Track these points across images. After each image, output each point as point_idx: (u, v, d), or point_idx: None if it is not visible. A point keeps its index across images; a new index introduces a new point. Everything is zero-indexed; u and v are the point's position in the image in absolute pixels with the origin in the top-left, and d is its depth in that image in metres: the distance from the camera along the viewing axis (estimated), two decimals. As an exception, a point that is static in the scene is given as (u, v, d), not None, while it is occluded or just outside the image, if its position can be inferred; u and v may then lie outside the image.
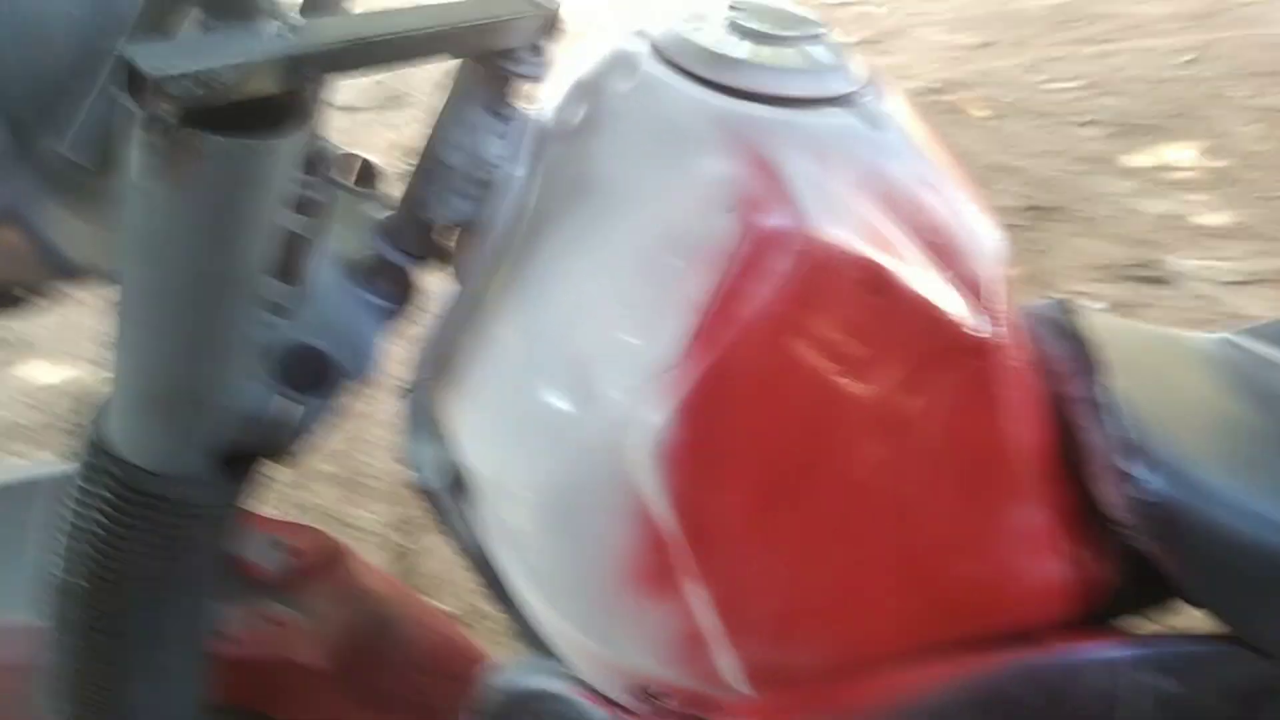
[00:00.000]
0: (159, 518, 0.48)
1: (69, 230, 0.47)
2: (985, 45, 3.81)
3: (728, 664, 0.59)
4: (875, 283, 0.50)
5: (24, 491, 0.82)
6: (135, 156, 0.39)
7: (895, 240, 0.52)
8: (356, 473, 2.01)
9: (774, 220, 0.48)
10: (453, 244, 0.59)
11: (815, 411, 0.51)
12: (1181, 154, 2.82)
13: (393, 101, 3.53)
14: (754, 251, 0.48)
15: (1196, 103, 3.11)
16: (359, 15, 0.44)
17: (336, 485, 1.98)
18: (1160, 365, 0.73)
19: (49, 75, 0.45)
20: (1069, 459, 0.64)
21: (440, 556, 1.83)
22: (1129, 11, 3.98)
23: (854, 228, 0.50)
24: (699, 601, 0.55)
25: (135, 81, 0.36)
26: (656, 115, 0.51)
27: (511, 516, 0.55)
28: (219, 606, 0.60)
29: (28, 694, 0.73)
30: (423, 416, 0.63)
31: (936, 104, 3.11)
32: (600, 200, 0.51)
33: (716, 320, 0.48)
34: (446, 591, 1.74)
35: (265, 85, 0.40)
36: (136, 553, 0.49)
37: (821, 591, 0.57)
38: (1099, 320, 0.73)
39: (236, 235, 0.41)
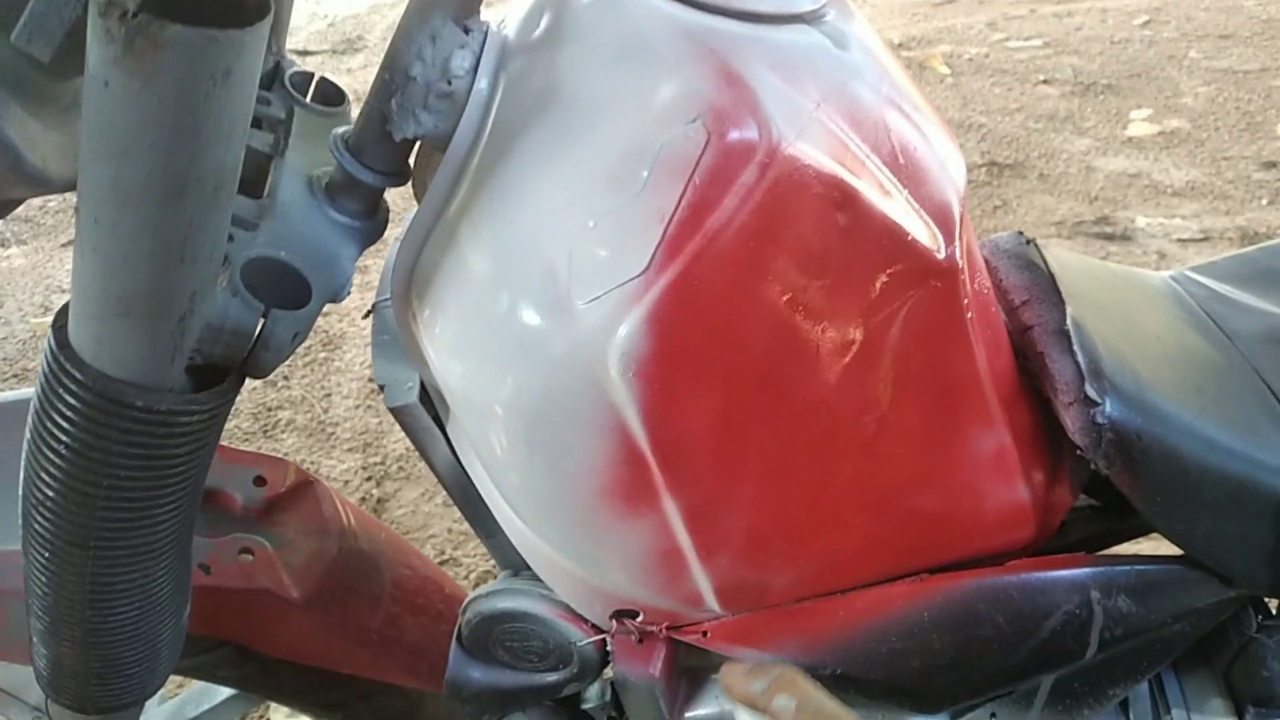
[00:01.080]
0: (128, 425, 0.47)
1: (30, 134, 0.46)
2: (947, 2, 3.82)
3: (700, 583, 0.59)
4: (840, 199, 0.50)
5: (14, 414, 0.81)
6: (93, 46, 0.38)
7: (860, 158, 0.52)
8: (324, 422, 1.99)
9: (740, 132, 0.48)
10: (414, 159, 0.58)
11: (780, 325, 0.52)
12: (1137, 113, 2.85)
13: (347, 45, 3.47)
14: (720, 162, 0.48)
15: (1152, 64, 3.14)
16: None
17: (304, 434, 1.96)
18: (1115, 298, 0.74)
19: None
20: (1027, 385, 0.65)
21: (407, 503, 1.83)
22: (1088, -27, 4.01)
23: (819, 143, 0.50)
24: (671, 517, 0.55)
25: None
26: (621, 28, 0.50)
27: (485, 433, 0.54)
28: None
29: (3, 618, 0.72)
30: (391, 335, 0.62)
31: (899, 60, 3.11)
32: (565, 112, 0.51)
33: (682, 230, 0.48)
34: (415, 539, 1.74)
35: None
36: (106, 463, 0.48)
37: (790, 511, 0.58)
38: (1057, 253, 0.74)
39: (199, 133, 0.40)
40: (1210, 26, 3.35)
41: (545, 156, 0.51)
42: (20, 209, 2.91)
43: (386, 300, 0.68)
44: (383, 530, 0.94)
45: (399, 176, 0.57)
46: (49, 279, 2.55)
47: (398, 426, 2.07)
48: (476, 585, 1.63)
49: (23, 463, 0.53)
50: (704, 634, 0.64)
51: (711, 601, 0.61)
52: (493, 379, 0.53)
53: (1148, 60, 3.16)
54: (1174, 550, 0.67)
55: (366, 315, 0.70)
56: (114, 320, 0.45)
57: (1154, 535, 0.72)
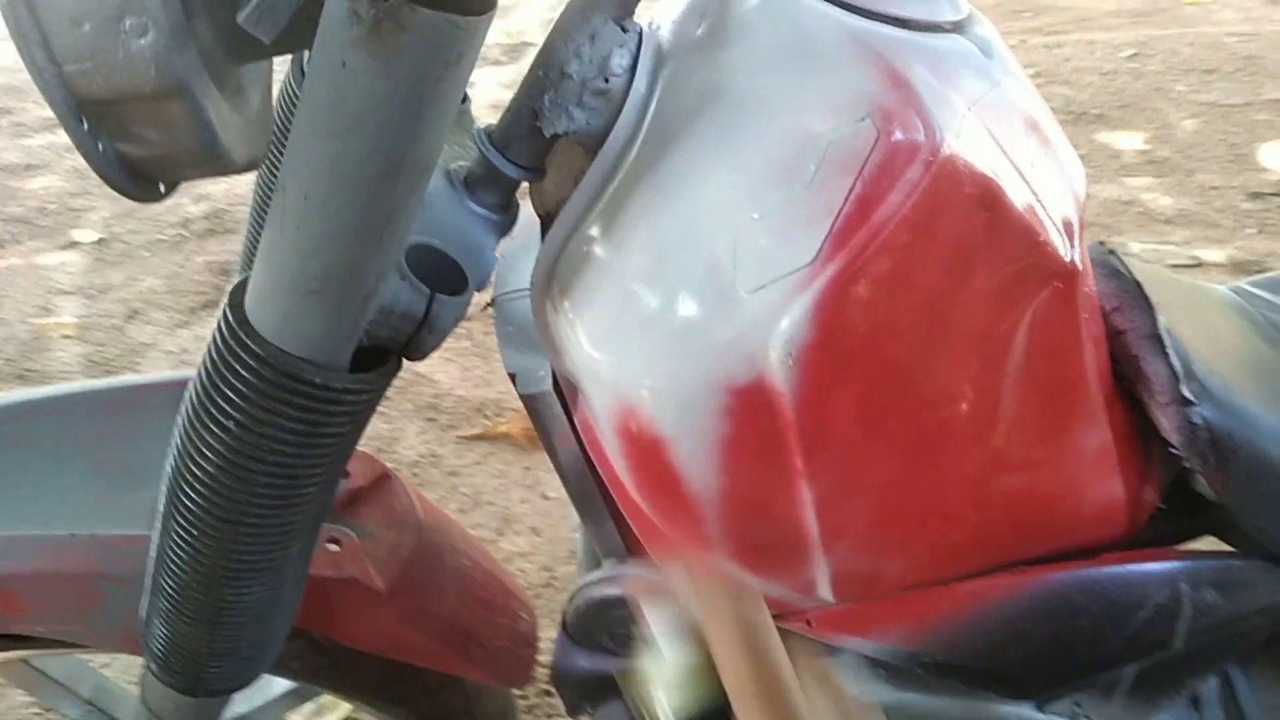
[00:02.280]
0: (302, 402, 0.49)
1: (222, 115, 0.47)
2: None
3: (818, 571, 0.61)
4: (987, 198, 0.53)
5: (53, 409, 0.81)
6: (332, 26, 0.40)
7: (1003, 161, 0.54)
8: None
9: (907, 131, 0.50)
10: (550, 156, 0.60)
11: (924, 318, 0.54)
12: (1128, 142, 2.93)
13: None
14: (888, 159, 0.50)
15: (1140, 95, 3.23)
16: None
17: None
18: (1192, 307, 0.78)
19: None
20: (1120, 387, 0.68)
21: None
22: (1074, 5, 4.11)
23: (972, 145, 0.53)
24: (803, 504, 0.57)
25: None
26: (788, 29, 0.53)
27: (629, 420, 0.56)
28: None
29: (97, 603, 0.73)
30: (516, 326, 0.64)
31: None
32: (729, 110, 0.53)
33: (850, 223, 0.50)
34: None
35: None
36: (273, 439, 0.50)
37: (910, 501, 0.60)
38: (1134, 263, 0.77)
39: (427, 116, 0.42)
40: (1194, 61, 3.45)
41: (707, 152, 0.53)
42: (18, 209, 2.86)
43: (508, 294, 0.70)
44: (449, 521, 0.95)
45: (539, 172, 0.59)
46: (48, 280, 2.52)
47: (410, 432, 2.07)
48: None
49: (176, 439, 0.54)
50: (808, 622, 0.66)
51: (825, 590, 0.63)
52: (646, 365, 0.54)
53: (1136, 91, 3.24)
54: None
55: (485, 308, 0.71)
56: (304, 298, 0.47)
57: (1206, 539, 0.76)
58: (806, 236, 0.50)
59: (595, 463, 0.62)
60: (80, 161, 3.03)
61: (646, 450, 0.57)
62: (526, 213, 0.67)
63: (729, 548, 0.60)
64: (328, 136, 0.42)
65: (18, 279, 2.52)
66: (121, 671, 1.42)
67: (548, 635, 1.56)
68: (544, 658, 1.40)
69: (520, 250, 0.72)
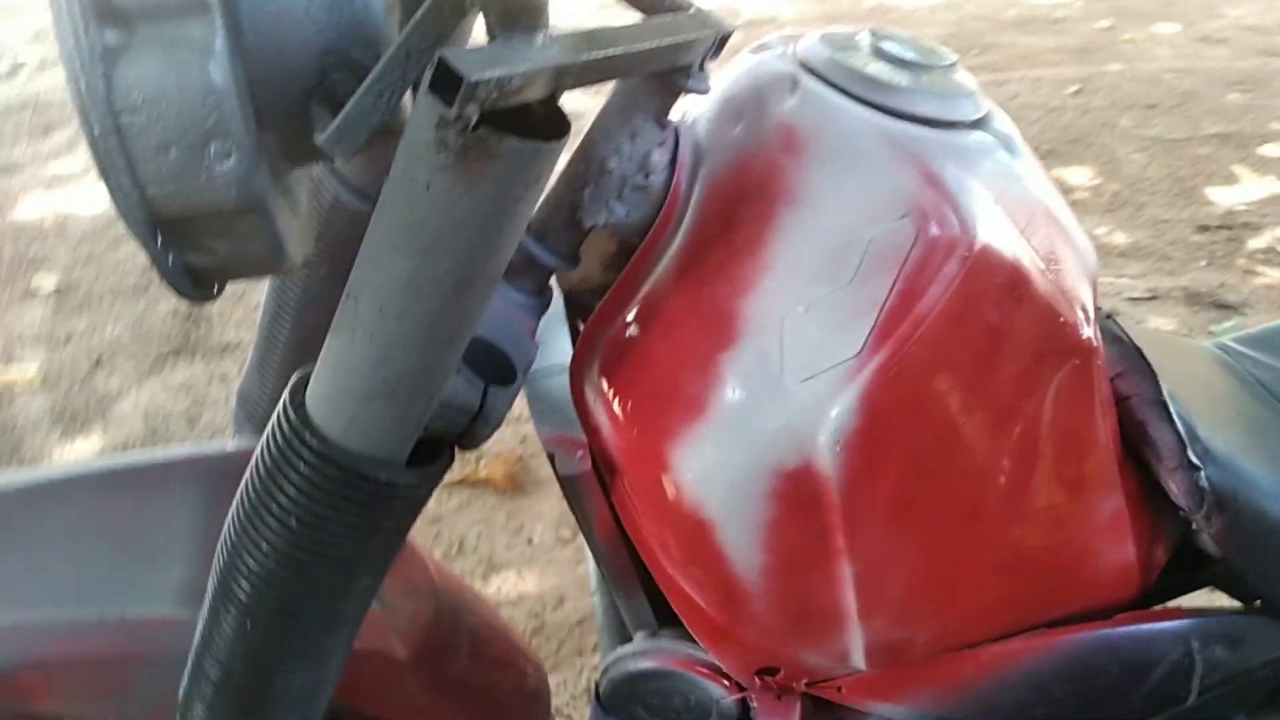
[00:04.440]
0: (362, 499, 0.49)
1: (286, 223, 0.48)
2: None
3: (852, 641, 0.63)
4: (1016, 286, 0.56)
5: (75, 488, 0.81)
6: (416, 152, 0.41)
7: (1028, 249, 0.57)
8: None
9: (944, 228, 0.53)
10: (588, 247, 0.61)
11: (960, 401, 0.56)
12: (1078, 178, 3.02)
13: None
14: (927, 255, 0.52)
15: (1087, 130, 3.33)
16: (590, 32, 0.47)
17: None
18: (1188, 369, 0.81)
19: (291, 72, 0.46)
20: (1130, 453, 0.71)
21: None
22: (1017, 43, 4.23)
23: (999, 236, 0.55)
24: (843, 580, 0.59)
25: (446, 82, 0.38)
26: (824, 130, 0.55)
27: (674, 502, 0.58)
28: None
29: (129, 687, 0.72)
30: (548, 404, 0.65)
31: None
32: (774, 207, 0.55)
33: (893, 316, 0.52)
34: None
35: (538, 91, 0.42)
36: (333, 534, 0.50)
37: (942, 572, 0.62)
38: (1133, 328, 0.81)
39: (504, 233, 0.43)
40: (1136, 97, 3.57)
41: (751, 247, 0.55)
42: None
43: (538, 371, 0.71)
44: (460, 584, 0.95)
45: (574, 260, 0.61)
46: (9, 329, 2.47)
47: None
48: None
49: (230, 531, 0.54)
50: (839, 689, 0.68)
51: (858, 659, 0.65)
52: (692, 450, 0.56)
53: (1082, 127, 3.34)
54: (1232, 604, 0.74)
55: None
56: (373, 401, 0.48)
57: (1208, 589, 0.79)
58: (852, 329, 0.52)
59: (633, 540, 0.64)
60: (36, 210, 2.98)
61: (691, 532, 0.58)
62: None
63: (767, 621, 0.62)
64: (407, 253, 0.43)
65: (-24, 329, 2.47)
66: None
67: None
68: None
69: (546, 326, 0.74)
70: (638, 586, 0.68)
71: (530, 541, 1.85)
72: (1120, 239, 2.68)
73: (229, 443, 0.83)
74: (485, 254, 0.44)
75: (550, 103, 0.44)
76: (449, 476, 2.04)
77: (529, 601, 1.74)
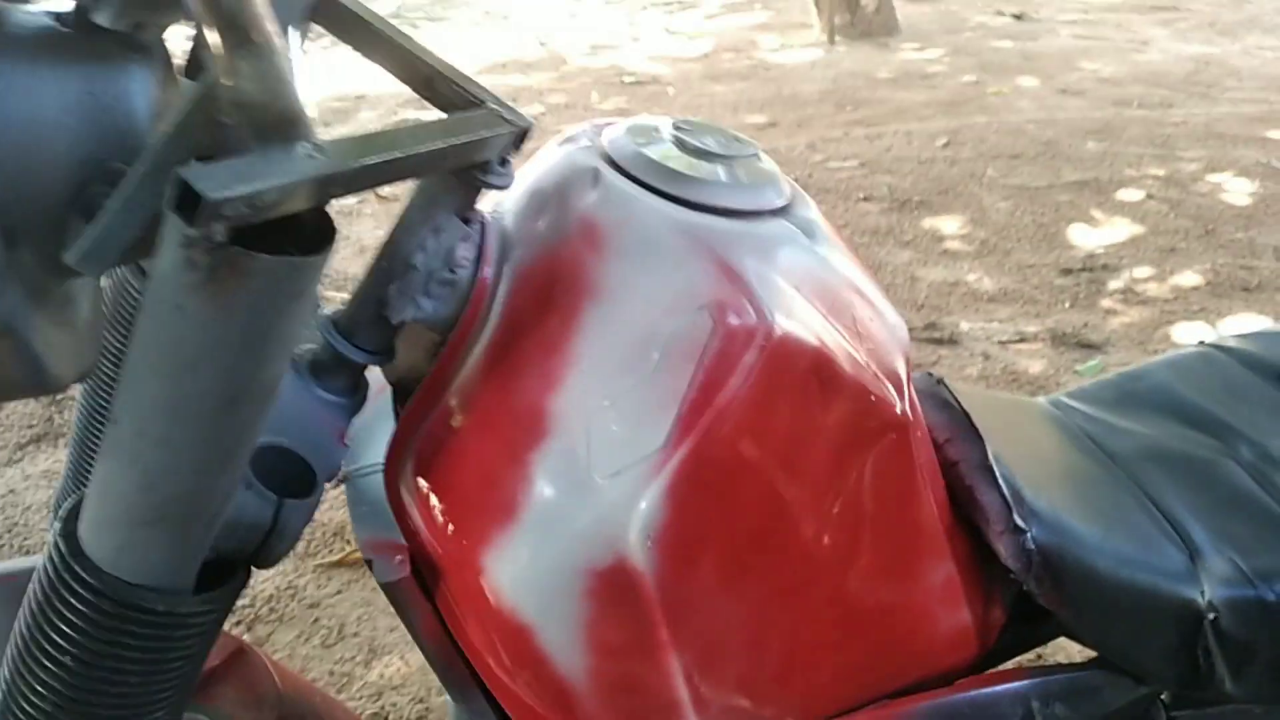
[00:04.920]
0: (145, 632, 0.47)
1: (48, 340, 0.46)
2: (771, 125, 4.10)
3: (691, 731, 0.62)
4: (820, 369, 0.56)
5: None
6: (166, 272, 0.39)
7: (832, 332, 0.58)
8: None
9: (741, 319, 0.53)
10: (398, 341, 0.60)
11: (771, 486, 0.56)
12: (949, 226, 3.13)
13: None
14: (724, 346, 0.53)
15: (956, 181, 3.46)
16: (367, 136, 0.46)
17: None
18: (1016, 429, 0.83)
19: (42, 185, 0.44)
20: (960, 516, 0.72)
21: (283, 646, 1.75)
22: (890, 98, 4.40)
23: (802, 322, 0.56)
24: (672, 673, 0.58)
25: (187, 200, 0.37)
26: (624, 225, 0.55)
27: (490, 600, 0.56)
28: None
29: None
30: (370, 505, 0.63)
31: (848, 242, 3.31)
32: (574, 300, 0.55)
33: (695, 407, 0.52)
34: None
35: (299, 204, 0.41)
36: (114, 670, 0.47)
37: (774, 652, 0.62)
38: (961, 389, 0.82)
39: (269, 349, 0.42)
40: (1001, 147, 3.73)
41: (556, 340, 0.54)
42: None
43: (360, 469, 0.69)
44: (309, 689, 0.91)
45: (387, 355, 0.59)
46: None
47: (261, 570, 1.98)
48: (372, 730, 1.58)
49: (4, 676, 0.50)
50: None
51: (700, 746, 0.64)
52: (507, 551, 0.55)
53: (952, 178, 3.48)
54: (1081, 655, 0.76)
55: (336, 485, 0.70)
56: (142, 528, 0.45)
57: (1059, 641, 0.81)
58: (655, 422, 0.52)
59: (461, 646, 0.62)
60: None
61: (512, 635, 0.57)
62: (378, 380, 0.66)
63: (602, 718, 0.61)
64: (163, 376, 0.41)
65: None
66: None
67: (424, 778, 1.51)
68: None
69: (371, 421, 0.72)
70: (474, 690, 0.66)
71: (414, 621, 1.79)
72: (989, 284, 2.77)
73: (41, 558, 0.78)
74: (249, 372, 0.42)
75: (319, 212, 0.43)
76: (327, 558, 1.96)
77: (413, 686, 1.69)
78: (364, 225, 3.10)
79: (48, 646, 0.47)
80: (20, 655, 0.48)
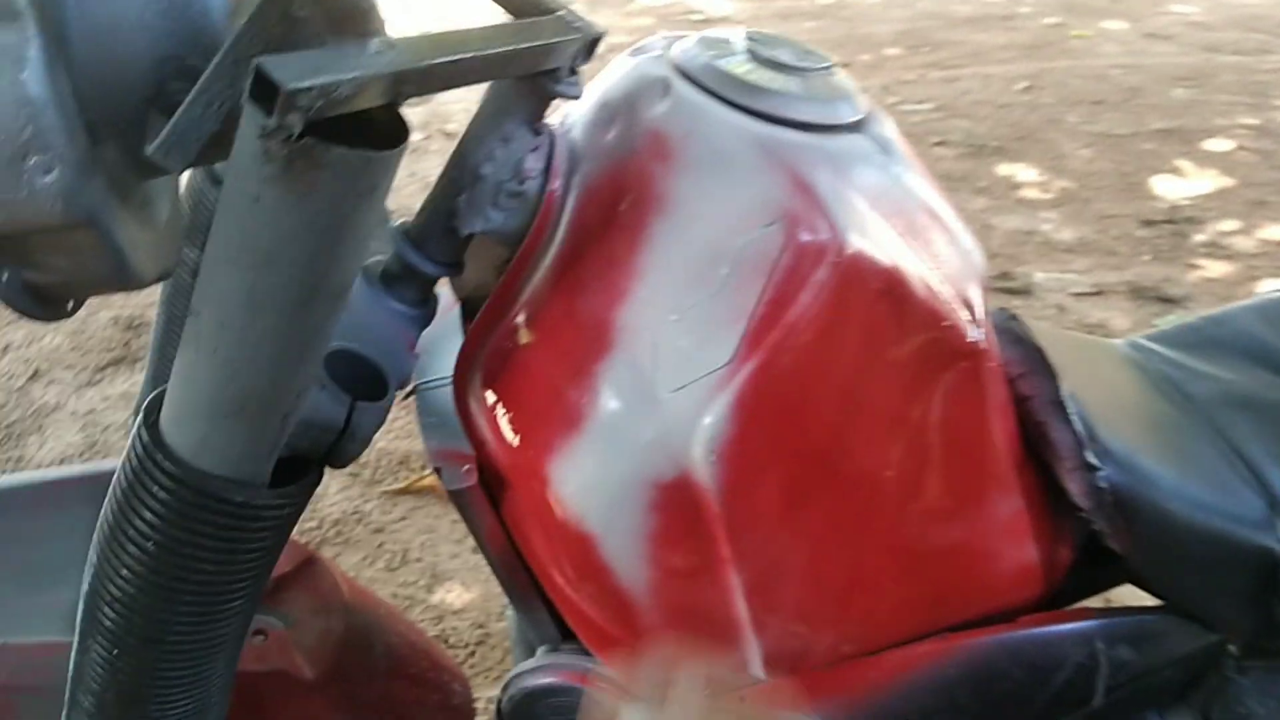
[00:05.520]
0: (223, 521, 0.48)
1: (131, 236, 0.46)
2: (843, 66, 4.01)
3: (750, 650, 0.62)
4: (894, 291, 0.55)
5: None
6: (243, 163, 0.39)
7: (906, 253, 0.56)
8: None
9: (812, 234, 0.52)
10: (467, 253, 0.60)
11: (839, 406, 0.56)
12: (1026, 174, 3.04)
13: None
14: (795, 262, 0.52)
15: (1035, 127, 3.35)
16: (438, 35, 0.45)
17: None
18: (1093, 368, 0.81)
19: (124, 83, 0.44)
20: (1028, 451, 0.71)
21: (349, 568, 1.80)
22: (968, 40, 4.27)
23: (876, 241, 0.54)
24: (732, 590, 0.58)
25: (265, 91, 0.37)
26: (694, 136, 0.54)
27: (557, 516, 0.56)
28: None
29: (13, 717, 0.70)
30: (439, 416, 0.64)
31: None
32: (643, 214, 0.54)
33: (763, 324, 0.51)
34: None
35: (373, 99, 0.41)
36: (194, 558, 0.49)
37: (835, 579, 0.61)
38: (1038, 326, 0.80)
39: (342, 245, 0.42)
40: (1084, 93, 3.60)
41: (624, 254, 0.54)
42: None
43: (429, 382, 0.70)
44: (375, 600, 0.93)
45: (456, 267, 0.60)
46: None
47: (332, 489, 2.03)
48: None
49: (93, 556, 0.52)
50: (741, 698, 0.67)
51: (757, 667, 0.64)
52: (571, 463, 0.55)
53: (1030, 124, 3.37)
54: (1146, 601, 0.74)
55: (406, 397, 0.71)
56: (223, 420, 0.46)
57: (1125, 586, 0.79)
58: (722, 337, 0.51)
59: (525, 555, 0.62)
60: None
61: (575, 545, 0.57)
62: (446, 297, 0.67)
63: (662, 634, 0.61)
64: (242, 268, 0.42)
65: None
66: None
67: (485, 695, 1.55)
68: (483, 718, 1.38)
69: (441, 336, 0.72)
70: (537, 601, 0.67)
71: (475, 550, 1.83)
72: (1067, 234, 2.70)
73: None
74: (325, 267, 0.42)
75: (391, 110, 0.43)
76: (392, 486, 2.01)
77: (473, 612, 1.73)
78: (430, 162, 3.12)
79: (132, 532, 0.49)
80: (107, 540, 0.50)
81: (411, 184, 2.87)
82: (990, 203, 2.87)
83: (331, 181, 0.40)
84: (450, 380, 0.64)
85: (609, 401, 0.53)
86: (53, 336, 2.45)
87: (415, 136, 3.24)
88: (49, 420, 2.20)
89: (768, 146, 0.53)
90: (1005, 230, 2.72)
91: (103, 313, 2.54)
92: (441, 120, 3.51)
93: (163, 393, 0.49)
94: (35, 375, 2.33)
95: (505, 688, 0.69)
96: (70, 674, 0.58)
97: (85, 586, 0.53)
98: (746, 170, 0.53)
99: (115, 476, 0.51)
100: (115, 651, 0.53)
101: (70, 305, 0.50)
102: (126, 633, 0.52)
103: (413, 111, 3.66)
